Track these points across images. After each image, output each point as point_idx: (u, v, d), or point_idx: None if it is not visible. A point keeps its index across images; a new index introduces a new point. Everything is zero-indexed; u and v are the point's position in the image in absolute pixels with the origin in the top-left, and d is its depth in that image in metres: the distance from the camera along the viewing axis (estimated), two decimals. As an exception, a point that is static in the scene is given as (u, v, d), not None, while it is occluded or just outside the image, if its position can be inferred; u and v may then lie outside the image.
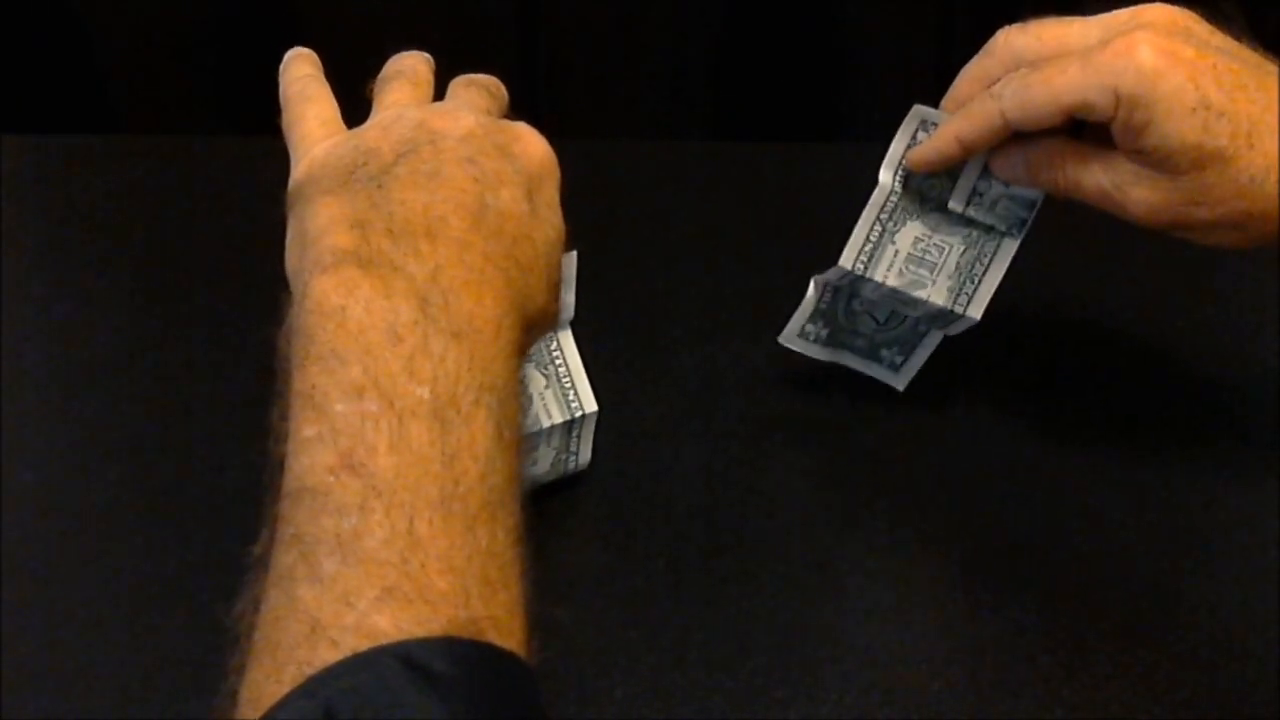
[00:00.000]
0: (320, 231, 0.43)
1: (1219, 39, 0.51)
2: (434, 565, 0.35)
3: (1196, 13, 0.52)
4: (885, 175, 0.56)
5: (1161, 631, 0.54)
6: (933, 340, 0.61)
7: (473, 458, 0.38)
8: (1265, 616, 0.54)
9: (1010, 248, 0.57)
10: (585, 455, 0.58)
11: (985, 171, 0.56)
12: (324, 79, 0.54)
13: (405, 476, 0.37)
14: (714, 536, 0.58)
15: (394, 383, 0.38)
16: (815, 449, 0.62)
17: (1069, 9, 0.53)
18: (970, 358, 0.66)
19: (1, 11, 0.89)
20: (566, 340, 0.55)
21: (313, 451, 0.38)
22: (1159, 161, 0.50)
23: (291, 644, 0.35)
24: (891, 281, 0.58)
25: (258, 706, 0.35)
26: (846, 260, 0.57)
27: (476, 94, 0.52)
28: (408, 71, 0.54)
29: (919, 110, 0.55)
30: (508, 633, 0.36)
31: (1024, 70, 0.52)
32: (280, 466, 0.39)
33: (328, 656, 0.34)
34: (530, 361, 0.54)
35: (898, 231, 0.57)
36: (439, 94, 0.53)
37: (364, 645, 0.34)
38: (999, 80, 0.53)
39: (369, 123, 0.49)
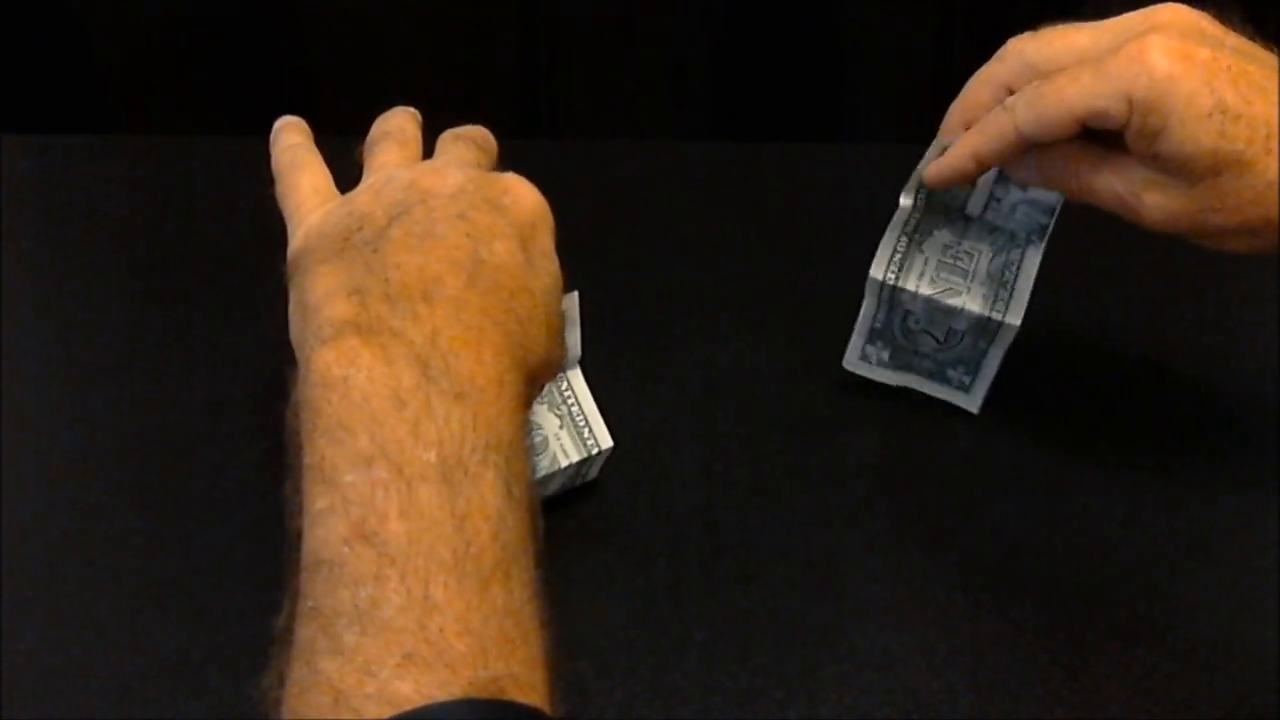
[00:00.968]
0: (319, 302, 0.44)
1: (1234, 39, 0.50)
2: (452, 628, 0.36)
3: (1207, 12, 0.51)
4: (905, 199, 0.57)
5: (1161, 631, 0.54)
6: (995, 357, 0.60)
7: (484, 517, 0.38)
8: (1265, 616, 0.54)
9: (1036, 253, 0.58)
10: (594, 474, 0.58)
11: (1001, 177, 0.56)
12: (314, 147, 0.55)
13: (418, 542, 0.37)
14: (714, 536, 0.58)
15: (401, 449, 0.38)
16: (816, 449, 0.62)
17: (1068, 9, 0.53)
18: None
19: (1, 11, 0.89)
20: (576, 379, 0.56)
21: (326, 523, 0.39)
22: (1175, 167, 0.49)
23: (317, 716, 0.35)
24: (925, 290, 0.58)
25: None
26: (877, 272, 0.58)
27: (464, 148, 0.52)
28: (395, 132, 0.54)
29: (942, 140, 0.56)
30: (529, 688, 0.36)
31: (1036, 81, 0.51)
32: (297, 540, 0.40)
33: None
34: (542, 403, 0.55)
35: (924, 241, 0.58)
36: (429, 147, 0.53)
37: (387, 713, 0.34)
38: (1008, 86, 0.53)
39: (360, 187, 0.50)
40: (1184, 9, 0.51)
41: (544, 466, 0.55)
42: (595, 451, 0.56)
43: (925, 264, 0.58)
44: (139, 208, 0.76)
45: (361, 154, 0.54)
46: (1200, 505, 0.59)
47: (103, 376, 0.65)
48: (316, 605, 0.38)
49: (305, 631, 0.38)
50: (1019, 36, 0.53)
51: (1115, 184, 0.51)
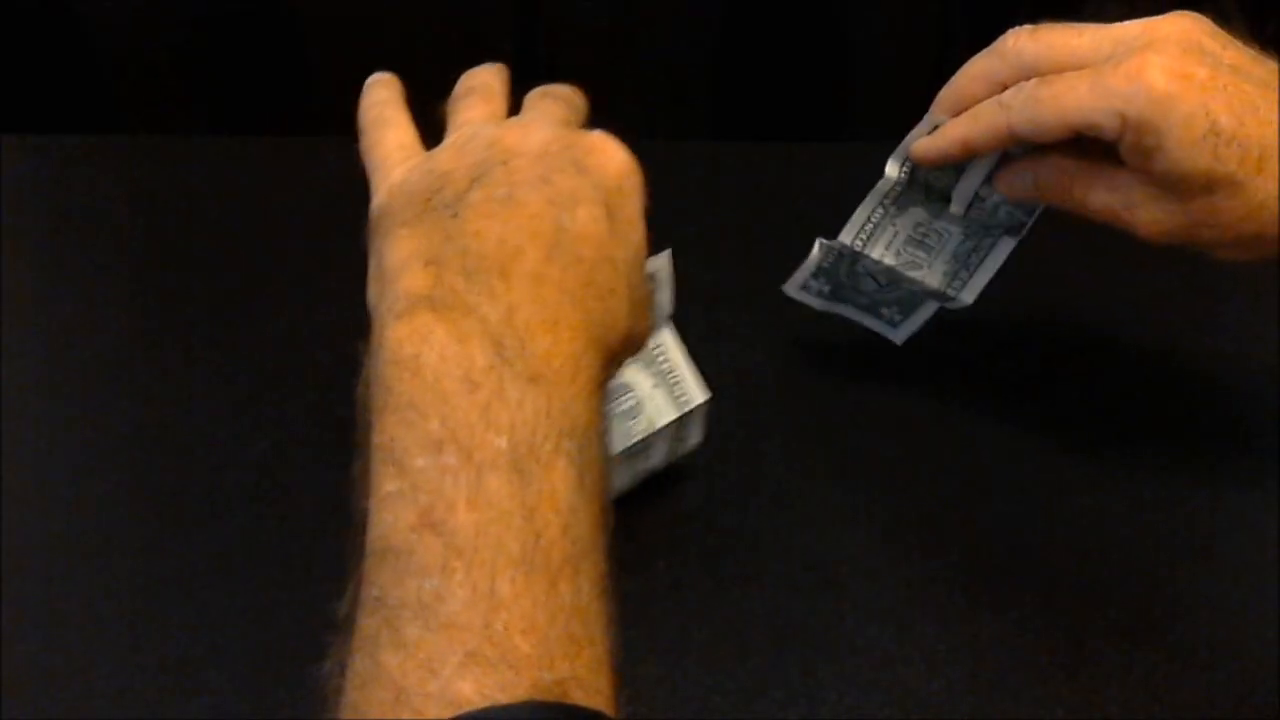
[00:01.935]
0: (396, 270, 0.42)
1: (1232, 53, 0.50)
2: (517, 626, 0.35)
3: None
4: (892, 168, 0.57)
5: (1161, 631, 0.54)
6: (930, 308, 0.62)
7: (554, 510, 0.37)
8: (1265, 616, 0.54)
9: (1008, 244, 0.58)
10: (697, 437, 0.58)
11: (988, 180, 0.56)
12: (403, 104, 0.52)
13: (486, 534, 0.36)
14: (714, 536, 0.58)
15: (471, 434, 0.37)
16: (815, 449, 0.62)
17: (1067, 10, 0.53)
18: (971, 358, 0.66)
19: (1, 11, 0.89)
20: (668, 337, 0.55)
21: (394, 508, 0.38)
22: (1168, 185, 0.49)
23: (377, 711, 0.35)
24: (889, 260, 0.59)
25: None
26: (846, 236, 0.58)
27: (552, 105, 0.50)
28: (480, 88, 0.52)
29: (934, 117, 0.56)
30: (593, 691, 0.36)
31: (1034, 82, 0.51)
32: (363, 521, 0.39)
33: None
34: (634, 363, 0.54)
35: (900, 215, 0.58)
36: (516, 105, 0.52)
37: (448, 714, 0.34)
38: (1003, 82, 0.53)
39: (444, 144, 0.48)
40: (1186, 20, 0.50)
41: (640, 430, 0.54)
42: (689, 408, 0.55)
43: (894, 237, 0.59)
44: (139, 208, 0.76)
45: (445, 111, 0.51)
46: (1200, 505, 0.59)
47: (103, 376, 0.65)
48: (381, 595, 0.37)
49: (369, 622, 0.37)
50: (1017, 31, 0.53)
51: (1109, 198, 0.51)
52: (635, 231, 0.45)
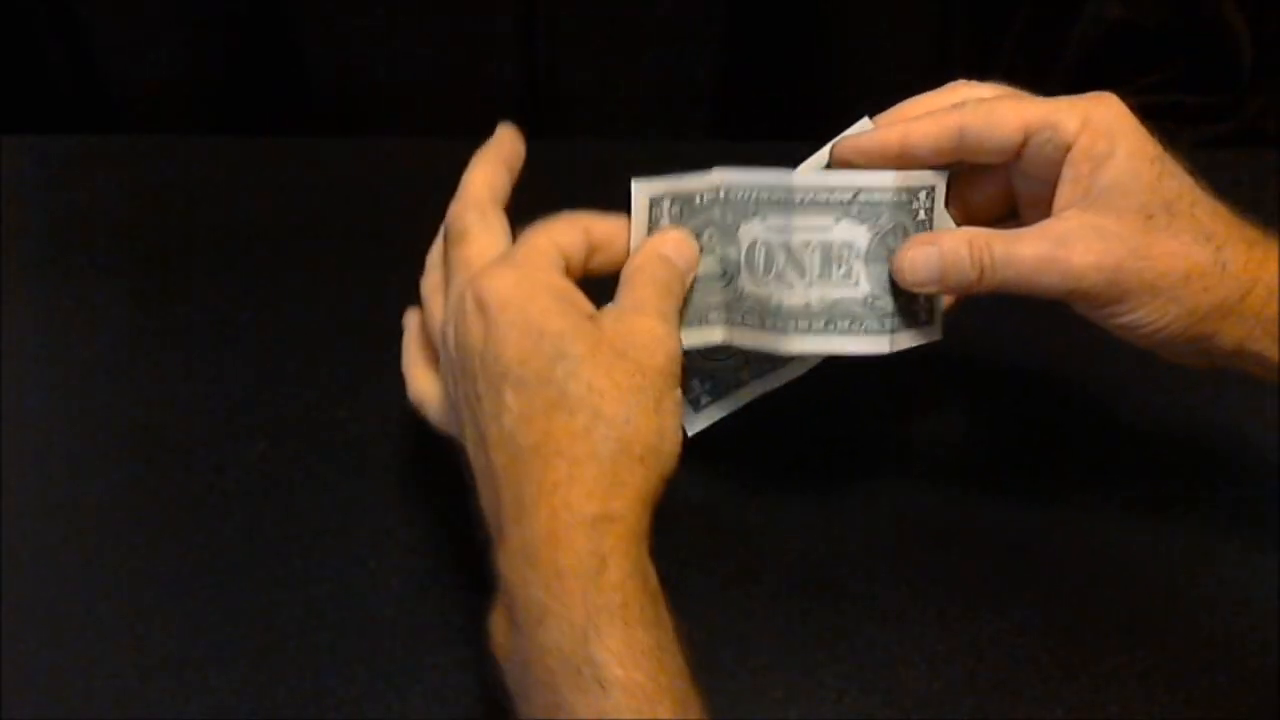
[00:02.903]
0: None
1: None
2: None
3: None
4: (917, 178, 0.51)
5: (1161, 631, 0.54)
6: (744, 397, 0.56)
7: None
8: (1265, 616, 0.54)
9: (878, 344, 0.52)
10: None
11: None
12: (495, 213, 0.53)
13: None
14: (714, 536, 0.58)
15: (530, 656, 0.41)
16: (815, 449, 0.62)
17: (1067, 10, 0.53)
18: (971, 357, 0.66)
19: (1, 11, 0.89)
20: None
21: None
22: (1107, 199, 0.48)
23: None
24: (793, 242, 0.51)
25: None
26: (798, 179, 0.52)
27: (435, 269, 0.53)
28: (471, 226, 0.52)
29: (867, 124, 0.53)
30: None
31: (993, 91, 0.51)
32: None
33: None
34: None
35: (846, 220, 0.51)
36: None
37: None
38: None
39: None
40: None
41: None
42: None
43: (824, 230, 0.51)
44: (139, 208, 0.76)
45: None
46: (1200, 505, 0.59)
47: (102, 376, 0.65)
48: None
49: None
50: (965, 81, 0.52)
51: (1039, 245, 0.49)
52: (591, 396, 0.44)
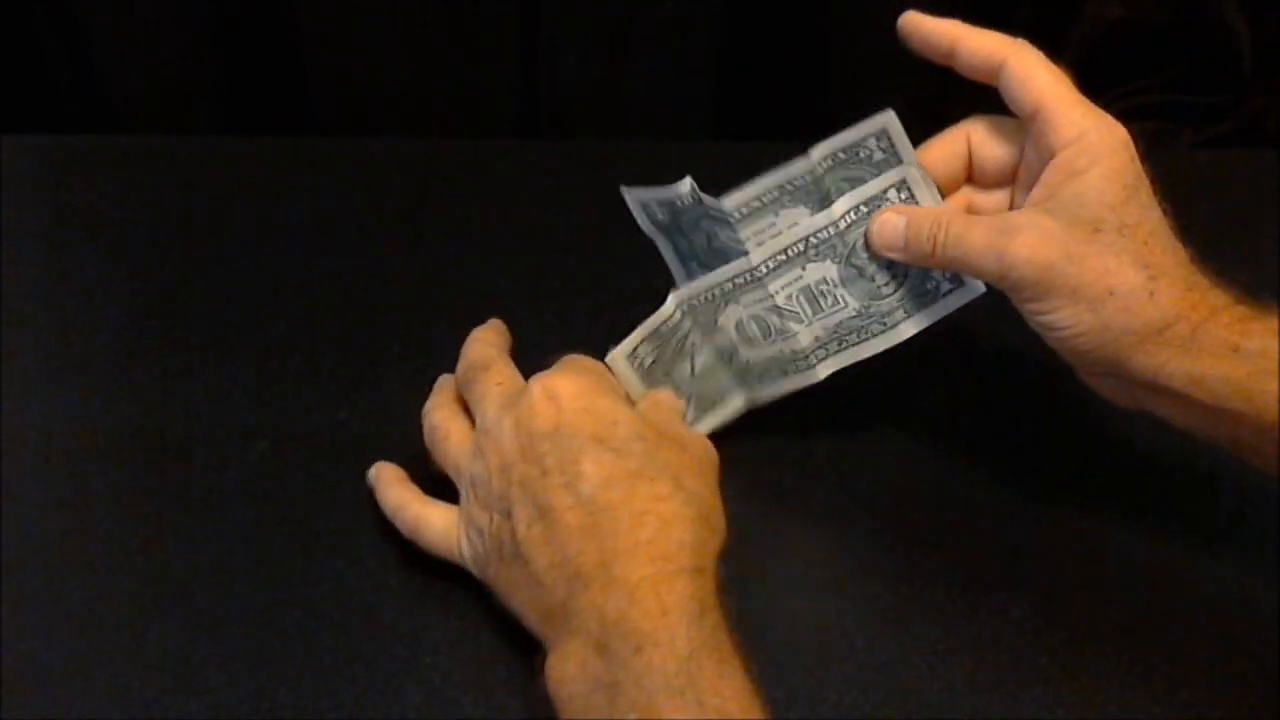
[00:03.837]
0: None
1: None
2: None
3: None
4: (841, 206, 0.56)
5: (1161, 631, 0.54)
6: (734, 405, 0.61)
7: None
8: (1265, 616, 0.54)
9: (892, 338, 0.58)
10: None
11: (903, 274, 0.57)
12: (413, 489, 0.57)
13: None
14: (714, 536, 0.57)
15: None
16: (815, 449, 0.62)
17: (1067, 10, 0.53)
18: (971, 357, 0.66)
19: (1, 11, 0.89)
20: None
21: None
22: (1066, 208, 0.51)
23: None
24: (779, 299, 0.57)
25: None
26: (756, 257, 0.56)
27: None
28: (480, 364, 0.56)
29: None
30: None
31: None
32: None
33: None
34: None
35: (812, 263, 0.57)
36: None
37: None
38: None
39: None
40: None
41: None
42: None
43: (796, 281, 0.57)
44: (139, 208, 0.76)
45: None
46: (1200, 505, 0.59)
47: (103, 376, 0.65)
48: None
49: None
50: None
51: (987, 233, 0.52)
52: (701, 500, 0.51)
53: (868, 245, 0.56)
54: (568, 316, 0.68)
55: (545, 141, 0.93)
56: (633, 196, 0.59)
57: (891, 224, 0.55)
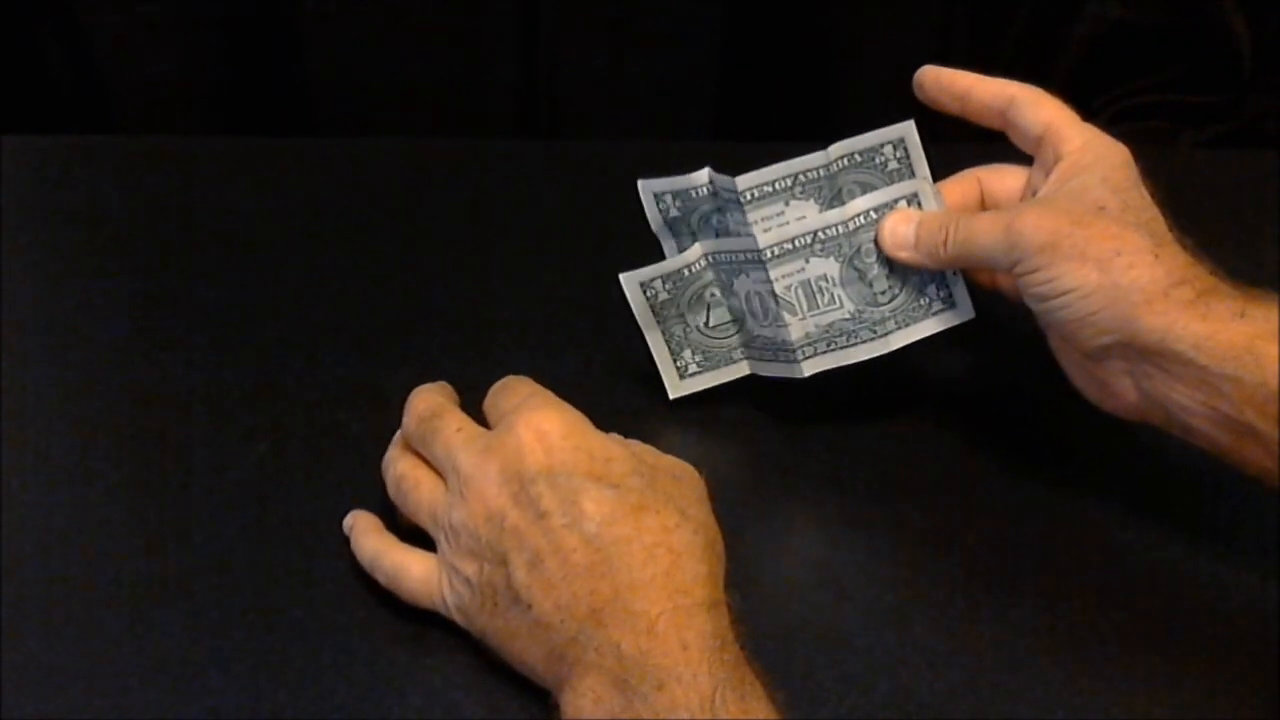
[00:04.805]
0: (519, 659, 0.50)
1: None
2: None
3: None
4: (856, 207, 0.57)
5: (1162, 632, 0.54)
6: (732, 374, 0.62)
7: None
8: (1265, 616, 0.54)
9: (878, 348, 0.59)
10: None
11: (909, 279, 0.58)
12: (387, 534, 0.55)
13: None
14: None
15: None
16: (815, 449, 0.62)
17: (1067, 10, 0.53)
18: (971, 357, 0.66)
19: (1, 12, 0.89)
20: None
21: None
22: (1071, 193, 0.53)
23: None
24: (778, 290, 0.58)
25: None
26: (763, 241, 0.57)
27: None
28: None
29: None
30: None
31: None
32: None
33: None
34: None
35: (816, 258, 0.58)
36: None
37: None
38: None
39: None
40: None
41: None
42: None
43: (798, 273, 0.58)
44: (139, 208, 0.76)
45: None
46: (1200, 505, 0.59)
47: (102, 377, 0.65)
48: None
49: None
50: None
51: (995, 219, 0.54)
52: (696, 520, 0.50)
53: (876, 246, 0.57)
54: (567, 316, 0.68)
55: (545, 141, 0.93)
56: (647, 187, 0.60)
57: (904, 220, 0.57)
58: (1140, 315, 0.51)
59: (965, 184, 0.59)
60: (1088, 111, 0.57)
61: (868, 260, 0.57)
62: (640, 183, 0.60)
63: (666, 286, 0.59)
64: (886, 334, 0.58)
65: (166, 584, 0.55)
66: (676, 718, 0.43)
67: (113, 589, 0.54)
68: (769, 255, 0.57)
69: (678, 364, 0.62)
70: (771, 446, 0.62)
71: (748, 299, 0.60)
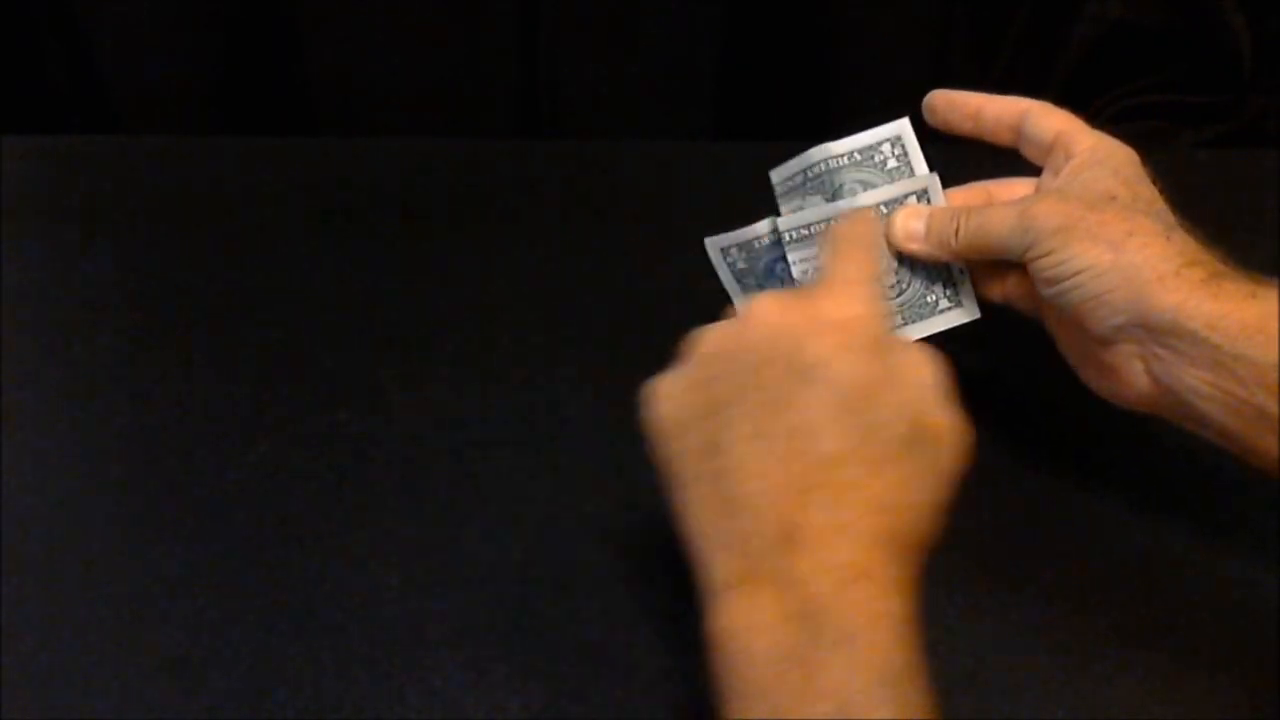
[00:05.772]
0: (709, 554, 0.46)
1: None
2: None
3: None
4: (868, 199, 0.57)
5: (1162, 632, 0.54)
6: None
7: None
8: (1265, 617, 0.54)
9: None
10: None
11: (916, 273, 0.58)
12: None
13: None
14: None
15: (796, 711, 0.41)
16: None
17: (1067, 10, 0.53)
18: (970, 357, 0.66)
19: (1, 12, 0.89)
20: None
21: None
22: (1082, 184, 0.53)
23: None
24: (795, 272, 0.58)
25: None
26: (784, 224, 0.58)
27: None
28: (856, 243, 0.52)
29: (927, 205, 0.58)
30: None
31: None
32: None
33: None
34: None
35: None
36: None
37: None
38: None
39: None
40: None
41: None
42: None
43: (814, 258, 0.58)
44: (139, 208, 0.76)
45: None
46: (1200, 505, 0.59)
47: (103, 377, 0.65)
48: None
49: None
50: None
51: (1009, 211, 0.54)
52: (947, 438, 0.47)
53: (886, 242, 0.57)
54: (568, 316, 0.68)
55: (545, 141, 0.93)
56: (714, 247, 0.61)
57: (914, 215, 0.57)
58: (1153, 293, 0.50)
59: (974, 194, 0.59)
60: (1088, 112, 0.57)
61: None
62: (708, 241, 0.61)
63: (741, 256, 0.60)
64: (892, 330, 0.58)
65: (166, 584, 0.55)
66: (860, 679, 0.41)
67: (113, 589, 0.54)
68: (788, 239, 0.58)
69: None
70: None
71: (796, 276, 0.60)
